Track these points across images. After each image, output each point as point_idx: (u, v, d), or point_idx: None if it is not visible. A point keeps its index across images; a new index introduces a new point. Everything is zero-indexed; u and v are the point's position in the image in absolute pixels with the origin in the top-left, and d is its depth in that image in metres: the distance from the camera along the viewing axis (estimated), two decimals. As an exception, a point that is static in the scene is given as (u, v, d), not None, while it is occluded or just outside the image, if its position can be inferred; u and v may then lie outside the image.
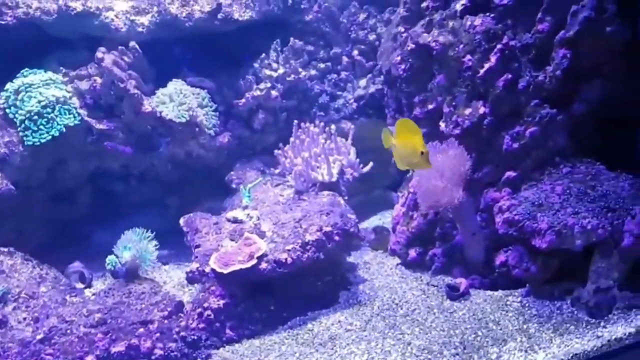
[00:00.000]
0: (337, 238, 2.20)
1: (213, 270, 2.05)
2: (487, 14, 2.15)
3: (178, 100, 2.67)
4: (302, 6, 3.19)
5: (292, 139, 2.77)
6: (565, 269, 2.05)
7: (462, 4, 2.18)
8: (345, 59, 3.29)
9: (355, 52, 3.28)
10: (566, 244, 1.92)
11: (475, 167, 2.30)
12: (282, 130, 3.05)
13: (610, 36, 2.11)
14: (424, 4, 2.31)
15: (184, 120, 2.66)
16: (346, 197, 2.76)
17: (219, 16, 2.75)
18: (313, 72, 3.28)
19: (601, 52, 2.14)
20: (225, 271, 2.00)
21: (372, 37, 3.24)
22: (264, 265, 2.05)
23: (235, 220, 2.40)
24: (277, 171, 2.89)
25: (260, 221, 2.41)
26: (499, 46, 2.10)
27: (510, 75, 2.13)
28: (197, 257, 2.25)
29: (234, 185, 2.87)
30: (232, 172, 2.96)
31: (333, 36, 3.30)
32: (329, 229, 2.20)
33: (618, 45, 2.13)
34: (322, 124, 2.87)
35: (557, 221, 1.91)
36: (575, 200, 1.99)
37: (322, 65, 3.29)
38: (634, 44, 2.12)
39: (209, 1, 2.74)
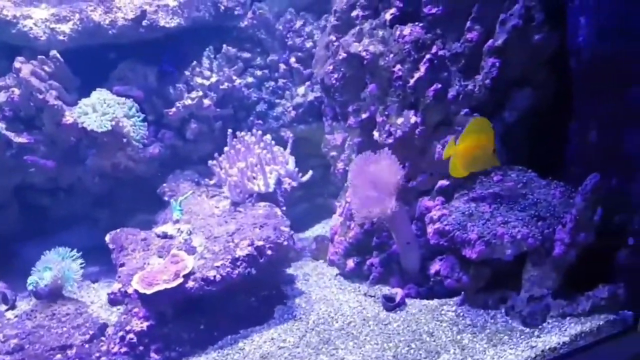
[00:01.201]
0: (269, 252, 2.15)
1: (136, 291, 1.96)
2: (417, 23, 2.14)
3: (101, 110, 2.56)
4: (236, 12, 3.12)
5: (226, 149, 2.70)
6: (499, 277, 2.05)
7: (391, 14, 2.16)
8: (282, 66, 3.24)
9: (293, 60, 3.23)
10: (496, 254, 1.92)
11: (409, 176, 2.30)
12: (218, 140, 2.98)
13: (538, 44, 2.13)
14: (354, 13, 2.28)
15: (105, 130, 2.56)
16: (284, 208, 2.71)
17: (144, 23, 2.66)
18: (250, 79, 3.22)
19: (530, 61, 2.17)
20: (148, 292, 1.91)
21: (309, 44, 3.20)
22: (190, 284, 1.97)
23: (165, 236, 2.31)
24: (212, 182, 2.81)
25: (192, 235, 2.33)
26: (428, 56, 2.09)
27: (439, 85, 2.12)
28: (120, 277, 2.15)
29: (166, 198, 2.77)
30: (164, 184, 2.86)
31: (269, 43, 3.24)
32: (261, 243, 2.14)
33: (546, 53, 2.16)
34: (259, 132, 2.81)
35: (486, 231, 1.91)
36: (505, 209, 2.00)
37: (259, 73, 3.23)
38: (562, 51, 2.17)
39: (133, 8, 2.65)
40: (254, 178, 2.66)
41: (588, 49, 2.06)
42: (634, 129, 1.86)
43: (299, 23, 3.25)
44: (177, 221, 2.43)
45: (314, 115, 3.14)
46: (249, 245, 2.10)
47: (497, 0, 2.13)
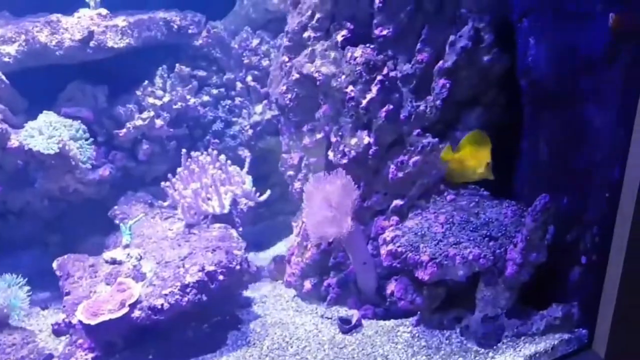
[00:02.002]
0: (221, 278, 2.09)
1: (80, 321, 1.89)
2: (368, 45, 2.14)
3: (48, 133, 2.48)
4: (190, 31, 3.08)
5: (179, 170, 2.65)
6: (454, 296, 2.04)
7: (343, 35, 2.15)
8: (239, 84, 3.21)
9: (249, 78, 3.20)
10: (449, 275, 1.91)
11: (364, 196, 2.28)
12: (173, 160, 2.92)
13: (487, 65, 2.15)
14: (305, 34, 2.27)
15: (52, 152, 2.48)
16: (240, 229, 2.67)
17: (91, 44, 2.59)
18: (206, 98, 3.18)
19: (480, 81, 2.18)
20: (93, 322, 1.84)
21: (265, 62, 3.17)
22: (137, 313, 1.91)
23: (114, 262, 2.24)
24: (166, 203, 2.75)
25: (142, 261, 2.26)
26: (379, 77, 2.08)
27: (391, 106, 2.12)
28: (64, 306, 2.07)
29: (117, 221, 2.70)
30: (115, 207, 2.79)
31: (225, 62, 3.21)
32: (212, 268, 2.09)
33: (496, 74, 2.18)
34: (215, 152, 2.77)
35: (438, 252, 1.90)
36: (457, 229, 2.00)
37: (215, 91, 3.19)
38: (513, 71, 2.19)
39: (80, 29, 2.59)
40: (209, 199, 2.61)
41: (537, 69, 2.08)
42: (582, 147, 1.88)
43: (255, 42, 3.23)
44: (127, 246, 2.37)
45: (272, 132, 3.12)
46: (199, 271, 2.05)
47: (447, 21, 2.14)
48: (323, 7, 2.19)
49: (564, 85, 1.97)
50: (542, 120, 2.10)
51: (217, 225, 2.53)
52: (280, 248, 3.08)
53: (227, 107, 3.20)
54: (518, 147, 2.21)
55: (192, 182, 2.63)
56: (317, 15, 2.22)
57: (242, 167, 2.85)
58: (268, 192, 2.85)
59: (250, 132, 3.16)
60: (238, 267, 2.15)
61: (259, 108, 3.20)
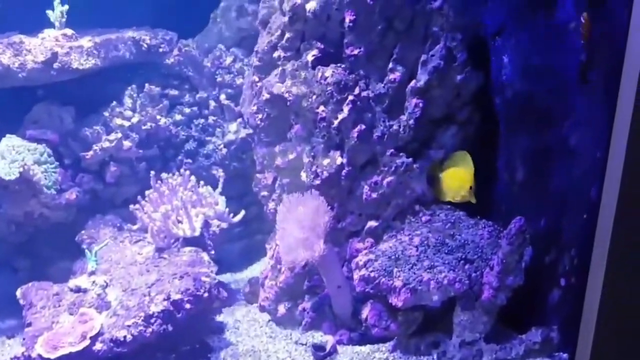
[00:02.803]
0: (188, 306, 1.99)
1: (40, 355, 1.77)
2: (339, 64, 2.07)
3: (10, 157, 2.38)
4: (161, 50, 3.00)
5: (148, 192, 2.55)
6: (431, 320, 1.97)
7: (313, 55, 2.09)
8: (212, 103, 3.12)
9: (223, 97, 3.12)
10: (423, 301, 1.84)
11: (339, 217, 2.21)
12: (143, 181, 2.81)
13: (461, 84, 2.10)
14: (275, 54, 2.20)
15: (13, 177, 2.38)
16: (212, 252, 2.57)
17: (55, 66, 2.50)
18: (179, 117, 3.08)
19: (454, 100, 2.13)
20: (52, 356, 1.73)
21: (239, 81, 3.10)
22: (98, 345, 1.80)
23: (79, 290, 2.14)
24: (136, 227, 2.64)
25: (108, 288, 2.17)
26: (350, 97, 2.02)
27: (363, 126, 2.05)
28: (24, 338, 1.96)
29: (84, 246, 2.59)
30: (83, 231, 2.68)
31: (198, 80, 3.13)
32: (178, 296, 1.99)
33: (470, 92, 2.14)
34: (187, 172, 2.68)
35: (412, 277, 1.83)
36: (432, 252, 1.93)
37: (188, 110, 3.10)
38: (487, 89, 2.14)
39: (43, 50, 2.49)
40: (179, 222, 2.52)
41: (511, 87, 2.04)
42: (558, 167, 1.83)
43: (228, 59, 3.16)
44: (92, 273, 2.26)
45: (247, 151, 3.04)
46: (164, 300, 1.95)
47: (419, 40, 2.09)
48: (292, 26, 2.12)
49: (538, 104, 1.92)
50: (517, 139, 2.05)
51: (187, 249, 2.43)
52: (257, 269, 2.98)
53: (201, 126, 3.11)
54: (494, 165, 2.16)
55: (162, 204, 2.54)
56: (287, 35, 2.15)
57: (215, 188, 2.77)
58: (242, 212, 2.77)
59: (224, 151, 3.07)
60: (206, 294, 2.05)
61: (233, 127, 3.12)
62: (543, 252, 1.87)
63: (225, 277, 2.96)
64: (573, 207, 1.76)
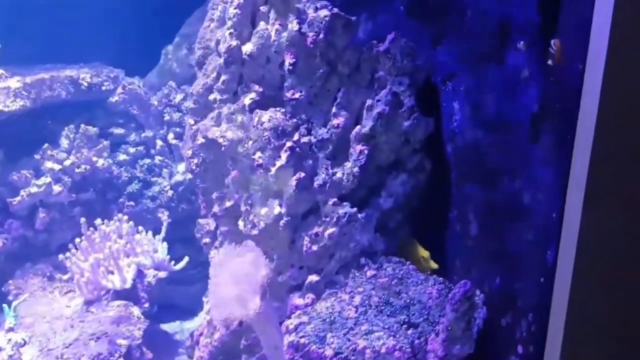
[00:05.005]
0: (100, 374, 1.71)
1: None
2: (278, 108, 1.85)
3: None
4: (104, 88, 2.75)
5: (77, 240, 2.27)
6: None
7: (251, 98, 1.86)
8: (159, 142, 2.88)
9: (171, 136, 2.88)
10: (360, 372, 1.58)
11: (279, 269, 1.96)
12: (78, 227, 2.53)
13: (409, 131, 1.90)
14: (211, 97, 1.97)
15: None
16: (146, 305, 2.30)
17: (-22, 108, 2.25)
18: (123, 157, 2.83)
19: (402, 146, 1.93)
20: None
21: (188, 120, 2.86)
22: None
23: (-9, 349, 1.84)
24: (66, 277, 2.36)
25: (26, 346, 1.87)
26: (289, 144, 1.79)
27: (303, 174, 1.82)
28: None
29: (11, 297, 2.29)
30: (10, 281, 2.37)
31: (144, 119, 2.88)
32: (88, 364, 1.71)
33: (419, 139, 1.93)
34: (125, 217, 2.42)
35: (346, 345, 1.57)
36: (373, 314, 1.68)
37: (132, 150, 2.85)
38: (439, 135, 1.94)
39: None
40: (111, 272, 2.24)
41: (462, 136, 1.84)
42: (512, 226, 1.61)
43: (178, 97, 2.94)
44: (10, 329, 1.96)
45: (196, 193, 2.79)
46: (73, 368, 1.66)
47: (364, 84, 1.89)
48: (229, 68, 1.90)
49: (489, 156, 1.72)
50: (470, 191, 1.83)
51: (116, 303, 2.17)
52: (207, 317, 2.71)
53: (146, 166, 2.86)
54: (447, 216, 1.94)
55: (94, 252, 2.26)
56: (223, 77, 1.92)
57: (159, 232, 2.51)
58: (186, 259, 2.53)
59: (170, 193, 2.82)
60: (121, 359, 1.76)
61: (181, 167, 2.88)
62: (500, 313, 1.64)
63: (172, 326, 2.69)
64: (529, 269, 1.54)
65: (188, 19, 3.06)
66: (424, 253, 1.88)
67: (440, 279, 1.84)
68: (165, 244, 2.52)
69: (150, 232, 2.52)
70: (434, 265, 1.86)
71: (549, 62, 1.25)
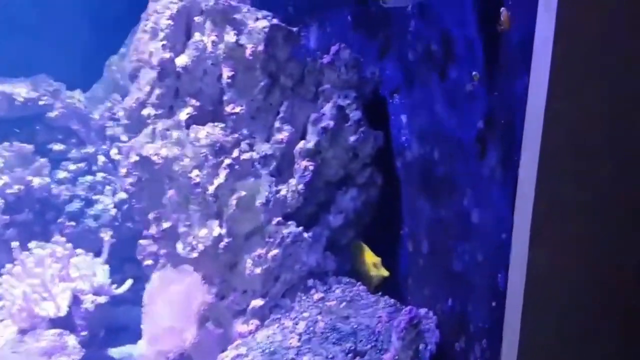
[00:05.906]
0: (20, 418, 1.54)
1: None
2: (217, 123, 1.71)
3: None
4: (42, 102, 2.57)
5: (8, 266, 2.08)
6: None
7: (188, 113, 1.73)
8: (102, 158, 2.70)
9: (114, 151, 2.70)
10: (303, 408, 1.45)
11: (222, 294, 1.82)
12: (12, 250, 2.34)
13: (356, 145, 1.79)
14: (145, 112, 1.82)
15: None
16: (84, 333, 2.11)
17: None
18: (63, 174, 2.63)
19: (350, 161, 1.82)
20: None
21: (134, 134, 2.70)
22: None
23: None
24: (1, 304, 2.16)
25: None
26: (227, 161, 1.66)
27: (244, 192, 1.68)
28: None
29: None
30: None
31: (85, 134, 2.70)
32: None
33: (367, 154, 1.83)
34: (63, 239, 2.24)
35: (288, 380, 1.44)
36: (318, 342, 1.55)
37: (73, 167, 2.65)
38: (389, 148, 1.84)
39: None
40: (45, 299, 2.05)
41: (410, 150, 1.74)
42: (462, 246, 1.51)
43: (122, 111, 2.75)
44: None
45: (143, 210, 2.62)
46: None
47: (309, 97, 1.78)
48: (163, 82, 1.75)
49: (437, 171, 1.62)
50: (420, 208, 1.73)
51: (51, 332, 1.98)
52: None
53: (88, 184, 2.67)
54: (399, 232, 1.84)
55: (28, 277, 2.08)
56: (157, 91, 1.78)
57: (100, 254, 2.33)
58: (129, 281, 2.35)
59: (114, 211, 2.64)
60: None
61: (126, 184, 2.69)
62: (454, 336, 1.54)
63: (121, 351, 2.50)
64: (481, 291, 1.44)
65: (134, 28, 2.91)
66: (375, 259, 1.77)
67: (392, 300, 1.72)
68: (106, 266, 2.33)
69: (90, 255, 2.34)
70: (385, 273, 1.76)
71: (498, 29, 1.21)
